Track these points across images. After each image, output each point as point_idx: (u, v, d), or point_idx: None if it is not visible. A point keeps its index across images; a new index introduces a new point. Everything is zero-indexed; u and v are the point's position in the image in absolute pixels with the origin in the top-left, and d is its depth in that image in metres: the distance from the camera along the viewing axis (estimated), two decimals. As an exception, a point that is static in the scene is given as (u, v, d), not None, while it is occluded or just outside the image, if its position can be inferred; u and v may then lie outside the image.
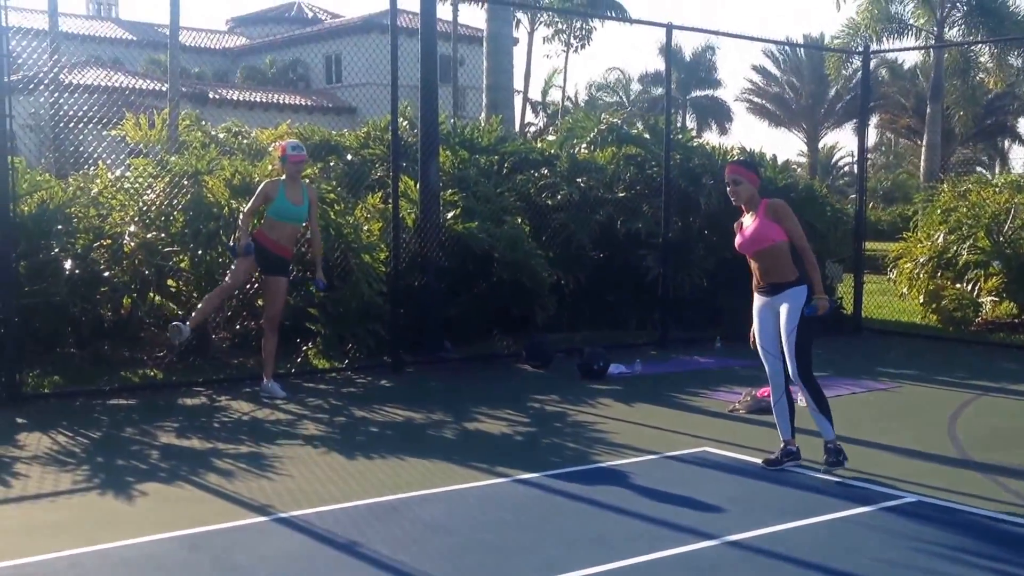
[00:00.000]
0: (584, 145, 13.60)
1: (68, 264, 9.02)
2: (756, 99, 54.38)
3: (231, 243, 8.76)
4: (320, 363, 9.95)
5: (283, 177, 8.65)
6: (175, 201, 9.48)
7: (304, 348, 10.06)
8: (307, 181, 9.22)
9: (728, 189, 6.63)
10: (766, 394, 8.44)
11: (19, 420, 7.67)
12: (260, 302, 9.79)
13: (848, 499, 5.85)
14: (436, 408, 8.29)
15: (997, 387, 9.57)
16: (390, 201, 10.68)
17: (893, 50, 19.09)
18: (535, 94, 48.27)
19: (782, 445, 6.62)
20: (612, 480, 6.22)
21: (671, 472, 6.47)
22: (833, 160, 59.72)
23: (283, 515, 5.42)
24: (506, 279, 11.28)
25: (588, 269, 12.51)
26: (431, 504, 5.67)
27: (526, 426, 7.75)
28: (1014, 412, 8.56)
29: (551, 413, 8.23)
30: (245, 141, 11.43)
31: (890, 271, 14.95)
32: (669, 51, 12.04)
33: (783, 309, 6.48)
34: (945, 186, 15.12)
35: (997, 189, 14.44)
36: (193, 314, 8.75)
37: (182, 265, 9.47)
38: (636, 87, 60.40)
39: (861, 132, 13.37)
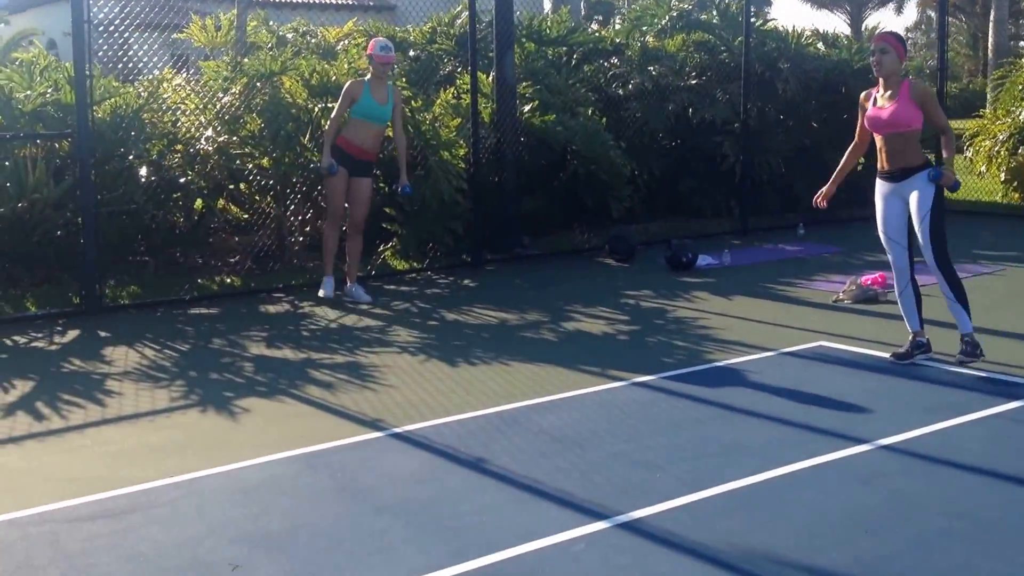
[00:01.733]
0: (653, 33, 12.93)
1: (143, 171, 8.70)
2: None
3: (316, 164, 8.38)
4: (399, 264, 9.64)
5: (368, 77, 8.22)
6: (252, 103, 9.05)
7: (381, 249, 9.74)
8: (401, 80, 8.72)
9: (872, 59, 6.13)
10: (870, 282, 8.08)
11: (102, 333, 7.44)
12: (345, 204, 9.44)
13: (995, 394, 5.47)
14: (527, 307, 7.96)
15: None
16: (462, 97, 10.25)
17: None
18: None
19: (911, 337, 6.22)
20: (734, 380, 5.88)
21: (793, 369, 6.11)
22: (862, 41, 57.86)
23: (398, 430, 5.14)
24: (581, 172, 10.84)
25: (661, 158, 12.02)
26: (551, 412, 5.36)
27: (627, 324, 7.40)
28: None
29: (648, 309, 7.88)
30: (313, 40, 10.95)
31: (966, 149, 14.31)
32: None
33: (913, 195, 6.02)
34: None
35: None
36: (324, 266, 8.41)
37: (263, 164, 9.09)
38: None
39: (942, 7, 12.62)
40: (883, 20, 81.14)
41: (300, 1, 36.06)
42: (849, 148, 6.63)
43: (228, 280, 8.99)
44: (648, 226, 11.54)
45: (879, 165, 6.26)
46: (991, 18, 19.99)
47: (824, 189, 6.66)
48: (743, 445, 4.79)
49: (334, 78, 9.19)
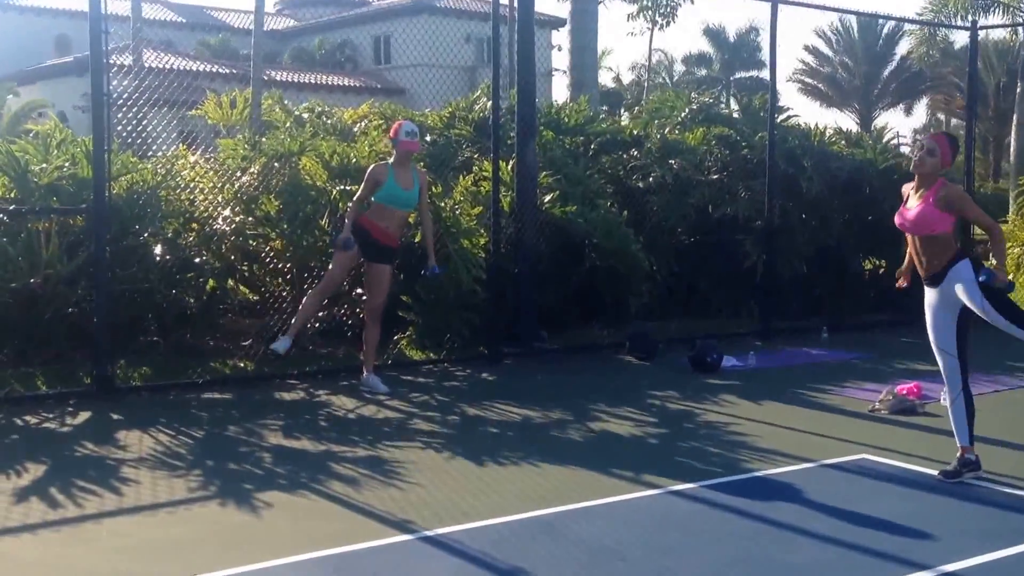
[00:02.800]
0: (674, 125, 12.90)
1: (158, 249, 8.53)
2: (808, 80, 53.28)
3: (333, 236, 8.25)
4: (415, 354, 9.41)
5: (391, 160, 8.09)
6: (270, 183, 8.92)
7: (397, 337, 9.52)
8: (420, 165, 8.58)
9: (916, 155, 5.86)
10: (905, 392, 7.85)
11: (114, 416, 7.19)
12: (358, 291, 9.27)
13: (1054, 518, 5.21)
14: (550, 405, 7.72)
15: None
16: (481, 184, 10.15)
17: (1000, 26, 18.26)
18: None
19: (959, 453, 5.92)
20: (775, 493, 5.62)
21: (836, 484, 5.86)
22: (884, 140, 58.59)
23: (428, 533, 4.87)
24: (600, 266, 10.70)
25: (680, 254, 11.89)
26: (587, 520, 5.10)
27: (655, 427, 7.16)
28: None
29: (676, 412, 7.64)
30: (329, 121, 10.88)
31: (991, 256, 14.20)
32: (775, 27, 11.23)
33: (959, 290, 5.76)
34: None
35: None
36: (293, 321, 8.20)
37: (277, 245, 8.93)
38: (679, 68, 59.61)
39: (970, 109, 12.65)
40: (891, 120, 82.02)
41: (309, 82, 36.57)
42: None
43: (241, 364, 8.75)
44: (666, 324, 11.33)
45: (919, 270, 6.04)
46: (1014, 122, 20.10)
47: (903, 268, 6.37)
48: (797, 567, 4.52)
49: (354, 160, 9.07)
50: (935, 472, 5.94)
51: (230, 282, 9.47)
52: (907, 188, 6.08)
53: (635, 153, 12.33)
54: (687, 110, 12.95)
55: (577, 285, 10.89)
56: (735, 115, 13.27)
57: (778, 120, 12.94)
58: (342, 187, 8.84)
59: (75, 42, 35.98)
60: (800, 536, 4.92)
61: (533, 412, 7.50)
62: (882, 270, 13.41)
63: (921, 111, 57.14)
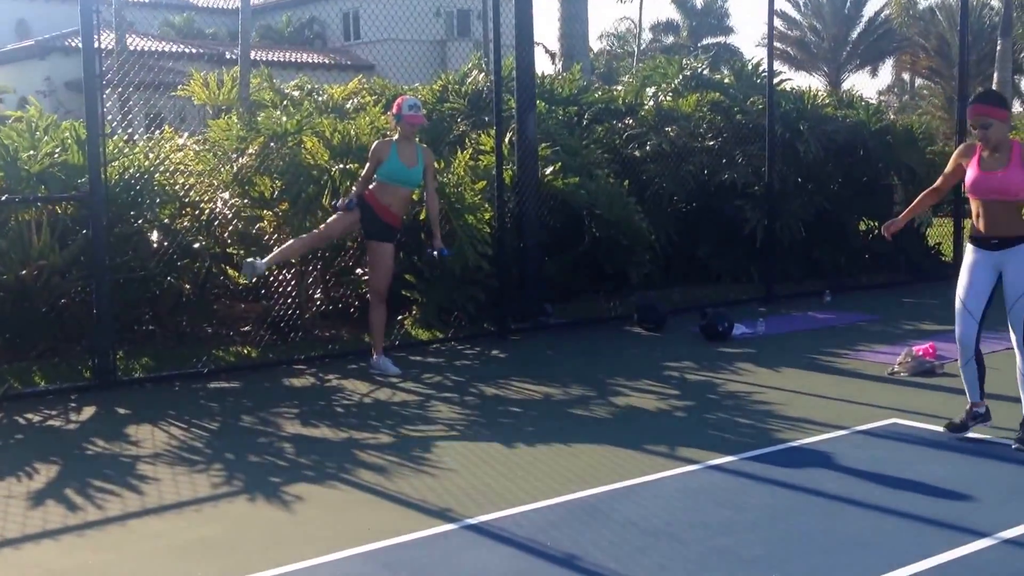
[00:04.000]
0: (668, 93, 12.71)
1: (154, 235, 8.28)
2: (778, 44, 53.06)
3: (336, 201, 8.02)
4: (420, 333, 9.22)
5: (395, 136, 7.87)
6: (269, 164, 8.66)
7: (401, 318, 9.33)
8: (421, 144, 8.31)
9: (977, 134, 5.68)
10: (923, 353, 7.76)
11: (120, 410, 6.96)
12: (360, 270, 9.07)
13: (1101, 479, 5.13)
14: (568, 381, 7.57)
15: None
16: (480, 158, 9.95)
17: None
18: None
19: (968, 407, 5.89)
20: (815, 462, 5.51)
21: (874, 450, 5.74)
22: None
23: (471, 521, 4.71)
24: (602, 237, 10.53)
25: (678, 222, 11.74)
26: (632, 501, 4.95)
27: (679, 399, 7.02)
28: None
29: (697, 383, 7.51)
30: (320, 99, 10.61)
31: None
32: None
33: (1013, 269, 5.64)
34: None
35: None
36: (272, 254, 7.94)
37: (276, 229, 8.69)
38: (647, 36, 59.37)
39: (962, 68, 12.52)
40: (859, 82, 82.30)
41: (276, 61, 36.03)
42: (927, 191, 6.31)
43: (244, 351, 8.53)
44: (668, 293, 11.21)
45: (974, 230, 5.83)
46: (994, 79, 20.06)
47: (894, 220, 6.28)
48: (854, 539, 4.40)
49: (355, 137, 8.82)
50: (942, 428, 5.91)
51: (228, 268, 9.21)
52: (970, 149, 5.84)
53: (630, 122, 12.15)
54: (679, 76, 12.75)
55: (578, 257, 10.73)
56: (726, 80, 13.08)
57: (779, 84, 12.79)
58: (343, 166, 8.58)
59: (35, 26, 35.29)
60: (851, 507, 4.80)
61: (552, 389, 7.35)
62: (875, 232, 13.32)
63: (887, 72, 57.26)
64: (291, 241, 8.04)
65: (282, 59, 36.49)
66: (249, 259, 7.78)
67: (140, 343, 8.53)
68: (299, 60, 36.52)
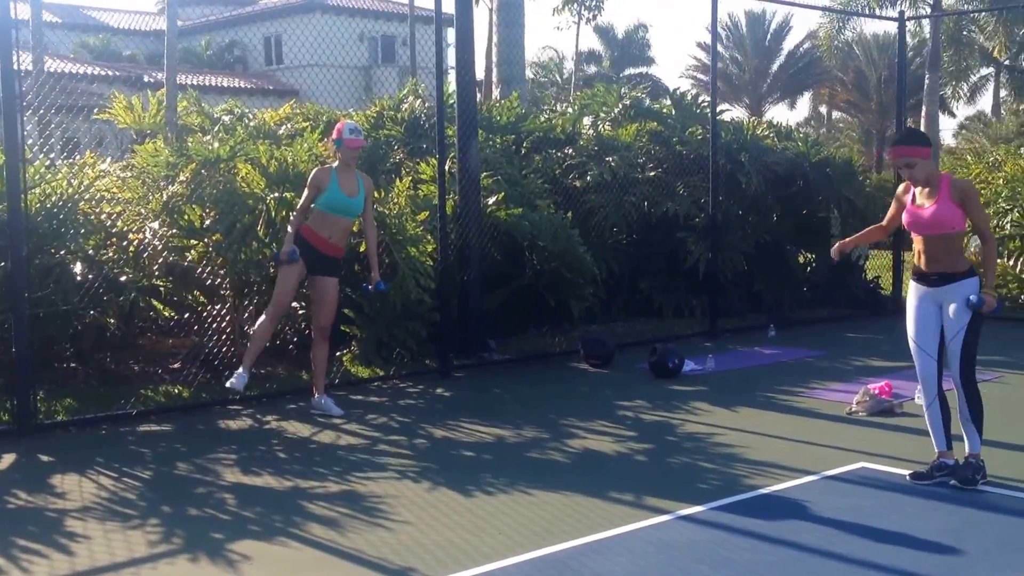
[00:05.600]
0: (607, 122, 12.57)
1: (78, 267, 7.78)
2: (700, 75, 53.87)
3: (275, 251, 7.61)
4: (360, 371, 8.84)
5: (334, 164, 7.51)
6: (202, 192, 8.21)
7: (339, 354, 8.94)
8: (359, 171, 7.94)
9: (903, 174, 5.69)
10: (880, 392, 7.64)
11: (43, 457, 6.47)
12: (294, 304, 8.65)
13: (1082, 527, 4.98)
14: (519, 422, 7.26)
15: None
16: (419, 187, 9.65)
17: (930, 16, 18.31)
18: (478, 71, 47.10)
19: (936, 457, 5.77)
20: (791, 512, 5.28)
21: (847, 498, 5.53)
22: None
23: (436, 581, 4.37)
24: (543, 270, 10.28)
25: (619, 255, 11.55)
26: (604, 556, 4.66)
27: (637, 442, 6.75)
28: None
29: (653, 423, 7.26)
30: (252, 124, 10.19)
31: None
32: (715, 22, 10.98)
33: (952, 307, 5.60)
34: (969, 158, 14.45)
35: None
36: (244, 358, 7.49)
37: (210, 260, 8.25)
38: (569, 66, 59.82)
39: (900, 101, 12.57)
40: (778, 114, 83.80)
41: (196, 84, 35.25)
42: (874, 226, 6.32)
43: (175, 391, 8.05)
44: (610, 326, 11.01)
45: (915, 266, 5.83)
46: (923, 112, 20.38)
47: (843, 241, 6.34)
48: (846, 598, 4.17)
49: (293, 165, 8.43)
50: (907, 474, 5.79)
51: (154, 301, 8.72)
52: (907, 188, 5.83)
53: (569, 151, 11.95)
54: (619, 105, 12.60)
55: (519, 290, 10.46)
56: (664, 110, 12.98)
57: (705, 113, 12.73)
58: (279, 194, 8.19)
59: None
60: (840, 564, 4.57)
61: (504, 431, 7.03)
62: (813, 265, 13.31)
63: (805, 105, 58.46)
64: (255, 329, 7.57)
65: (203, 83, 35.82)
66: (229, 381, 7.29)
67: (61, 382, 8.04)
68: (220, 84, 35.84)
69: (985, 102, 47.80)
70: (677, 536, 4.94)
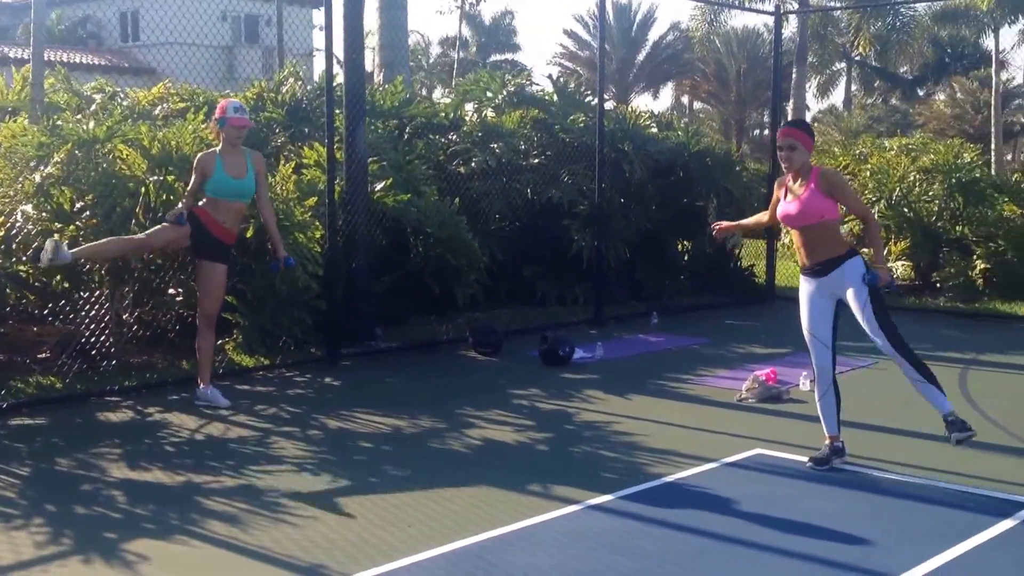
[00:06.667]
0: (491, 108, 12.49)
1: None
2: (568, 63, 54.35)
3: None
4: (244, 360, 8.55)
5: (219, 146, 7.20)
6: (77, 175, 7.77)
7: (221, 343, 8.62)
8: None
9: (781, 155, 5.82)
10: (767, 378, 7.79)
11: (-94, 455, 6.03)
12: (170, 291, 8.34)
13: (975, 510, 5.14)
14: (415, 411, 7.13)
15: (968, 358, 9.22)
16: (304, 172, 9.40)
17: (809, 11, 18.73)
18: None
19: (828, 441, 5.92)
20: (697, 500, 5.32)
21: (748, 485, 5.60)
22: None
23: (351, 579, 4.23)
24: (430, 257, 10.16)
25: (505, 242, 11.51)
26: (521, 549, 4.60)
27: (537, 431, 6.71)
28: (1016, 387, 8.18)
29: (550, 412, 7.23)
30: (125, 103, 9.74)
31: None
32: (603, 15, 11.03)
33: (846, 290, 5.73)
34: (836, 150, 14.93)
35: (893, 152, 14.39)
36: (83, 246, 7.17)
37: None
38: (436, 50, 59.66)
39: (776, 95, 12.85)
40: (643, 103, 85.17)
41: (48, 60, 33.65)
42: (757, 216, 6.56)
43: (46, 381, 7.63)
44: (495, 314, 10.95)
45: (799, 261, 5.96)
46: (790, 105, 20.95)
47: (726, 223, 6.52)
48: (763, 585, 4.21)
49: (177, 147, 8.07)
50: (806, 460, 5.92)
51: (25, 290, 8.24)
52: (781, 182, 5.95)
53: (453, 137, 11.83)
54: (503, 92, 12.54)
55: (405, 278, 10.31)
56: (547, 98, 12.97)
57: (592, 102, 12.79)
58: (161, 178, 7.83)
59: None
60: (747, 550, 4.62)
61: (400, 421, 6.89)
62: (691, 253, 13.55)
63: (668, 95, 59.58)
64: (107, 239, 7.22)
65: (55, 59, 34.18)
66: (52, 239, 6.84)
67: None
68: (73, 60, 34.29)
69: (837, 96, 49.61)
70: (590, 526, 4.91)
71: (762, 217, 6.50)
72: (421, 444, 6.39)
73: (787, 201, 5.84)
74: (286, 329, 8.75)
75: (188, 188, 7.17)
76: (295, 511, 5.07)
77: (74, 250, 6.99)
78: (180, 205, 7.08)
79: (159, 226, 7.16)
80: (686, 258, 13.46)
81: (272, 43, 32.77)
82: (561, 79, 13.33)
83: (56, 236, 6.99)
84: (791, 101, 20.73)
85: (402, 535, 4.75)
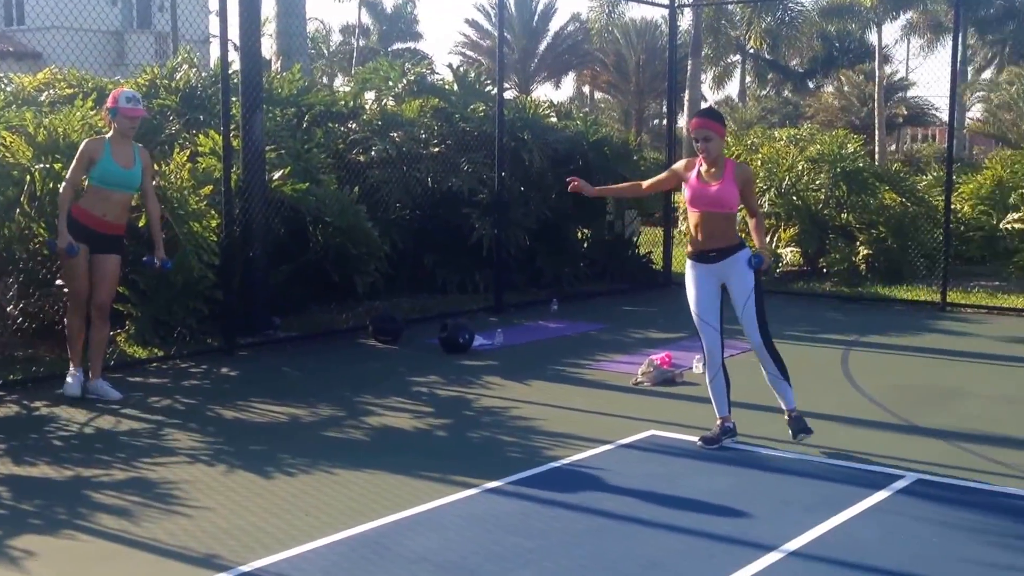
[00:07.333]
0: (391, 97, 12.45)
1: None
2: (470, 52, 54.34)
3: (49, 239, 7.13)
4: (137, 351, 8.40)
5: (109, 134, 7.06)
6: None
7: (112, 334, 8.45)
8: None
9: (697, 146, 5.93)
10: (661, 362, 7.96)
11: None
12: (59, 282, 8.13)
13: (852, 483, 5.38)
14: (313, 400, 7.11)
15: (850, 340, 9.56)
16: (199, 160, 9.25)
17: (703, 4, 18.94)
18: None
19: (719, 422, 6.11)
20: (592, 481, 5.42)
21: (642, 465, 5.75)
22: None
23: (244, 568, 4.22)
24: (329, 246, 10.10)
25: (405, 230, 11.50)
26: (417, 533, 4.64)
27: (436, 417, 6.75)
28: (896, 367, 8.49)
29: (449, 399, 7.27)
30: (9, 88, 9.46)
31: (681, 224, 14.89)
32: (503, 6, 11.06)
33: (733, 278, 5.93)
34: (730, 139, 15.20)
35: (783, 143, 14.77)
36: (70, 353, 7.17)
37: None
38: (337, 38, 59.09)
39: (671, 87, 13.08)
40: (544, 93, 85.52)
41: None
42: (633, 182, 6.71)
43: (-73, 375, 7.40)
44: (396, 302, 10.95)
45: (692, 244, 6.10)
46: (686, 97, 21.32)
47: (585, 184, 6.41)
48: (652, 562, 4.32)
49: (65, 134, 7.87)
50: (697, 440, 6.10)
51: None
52: (690, 164, 6.08)
53: (353, 126, 11.76)
54: (403, 81, 12.50)
55: (304, 266, 10.24)
56: (447, 87, 12.98)
57: (494, 92, 12.81)
58: (47, 166, 7.63)
59: None
60: (640, 527, 4.74)
61: (298, 410, 6.86)
62: (590, 241, 13.72)
63: (569, 85, 60.00)
64: (68, 331, 7.20)
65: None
66: (69, 380, 7.01)
67: None
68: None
69: (732, 88, 50.56)
70: (486, 509, 4.97)
71: (639, 184, 6.62)
72: (319, 432, 6.38)
73: (698, 183, 5.94)
74: (181, 319, 8.62)
75: (68, 177, 6.97)
76: (189, 502, 5.02)
77: (76, 364, 7.12)
78: (61, 240, 6.85)
79: (65, 271, 7.09)
80: (585, 245, 13.63)
81: (165, 28, 32.08)
82: (461, 68, 13.33)
83: (69, 379, 7.03)
84: (687, 92, 21.11)
85: (299, 523, 4.75)
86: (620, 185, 6.63)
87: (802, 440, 5.98)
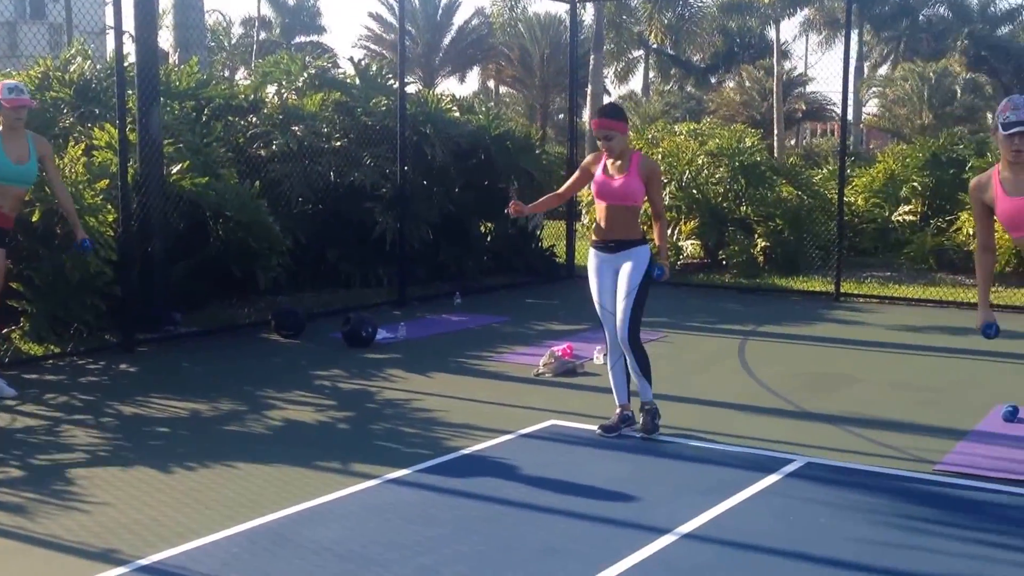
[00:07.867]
0: (292, 90, 12.37)
1: None
2: (374, 46, 54.01)
3: None
4: (32, 348, 8.24)
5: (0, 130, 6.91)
6: None
7: (6, 331, 8.29)
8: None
9: (602, 145, 6.06)
10: (563, 353, 8.11)
11: None
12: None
13: (746, 467, 5.56)
14: (214, 395, 7.07)
15: (747, 330, 9.83)
16: (94, 154, 9.10)
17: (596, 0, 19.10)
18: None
19: (618, 410, 6.27)
20: (491, 469, 5.52)
21: (543, 454, 5.86)
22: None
23: (143, 562, 4.21)
24: (230, 240, 10.02)
25: (307, 225, 11.46)
26: (318, 524, 4.67)
27: (338, 410, 6.77)
28: (791, 355, 8.77)
29: (351, 392, 7.30)
30: None
31: (583, 217, 15.11)
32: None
33: (625, 267, 6.09)
34: (631, 134, 15.46)
35: (683, 137, 15.08)
36: None
37: None
38: (238, 31, 58.22)
39: (572, 81, 13.25)
40: (449, 88, 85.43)
41: None
42: (552, 194, 6.71)
43: None
44: (299, 297, 10.92)
45: (596, 232, 6.25)
46: (588, 91, 21.55)
47: (523, 206, 6.36)
48: (549, 547, 4.43)
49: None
50: (596, 428, 6.24)
51: None
52: (596, 158, 6.21)
53: (253, 119, 11.66)
54: (305, 75, 12.43)
55: (204, 261, 10.13)
56: (349, 80, 12.94)
57: (393, 85, 12.83)
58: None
59: None
60: (538, 513, 4.84)
61: (199, 405, 6.82)
62: (494, 234, 13.83)
63: (474, 79, 60.01)
64: None
65: None
66: None
67: None
68: None
69: (636, 82, 51.24)
70: (386, 499, 5.03)
71: (558, 193, 6.65)
72: (220, 427, 6.35)
73: (604, 177, 6.09)
74: (78, 316, 8.49)
75: None
76: (86, 498, 4.98)
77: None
78: None
79: None
80: (489, 239, 13.74)
81: (60, 19, 31.20)
82: (363, 62, 13.30)
83: None
84: (590, 87, 21.36)
85: (199, 516, 4.75)
86: (544, 198, 6.61)
87: (650, 436, 6.08)
